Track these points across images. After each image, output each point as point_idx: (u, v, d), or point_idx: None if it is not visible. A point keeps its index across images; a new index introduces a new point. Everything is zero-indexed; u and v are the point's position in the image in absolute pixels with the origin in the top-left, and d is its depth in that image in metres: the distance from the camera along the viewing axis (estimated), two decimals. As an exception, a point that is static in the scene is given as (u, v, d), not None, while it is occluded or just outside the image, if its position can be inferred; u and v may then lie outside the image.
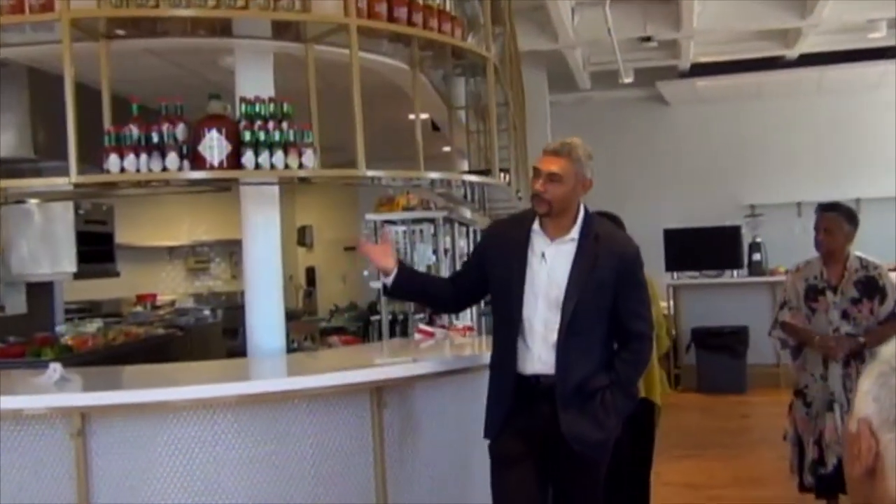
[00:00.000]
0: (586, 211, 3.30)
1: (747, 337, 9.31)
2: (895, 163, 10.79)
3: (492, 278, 3.32)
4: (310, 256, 12.92)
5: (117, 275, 7.54)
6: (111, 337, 6.17)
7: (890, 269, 7.75)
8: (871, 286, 4.48)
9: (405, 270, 3.48)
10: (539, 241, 3.25)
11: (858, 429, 1.15)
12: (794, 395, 4.66)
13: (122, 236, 8.06)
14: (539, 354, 3.18)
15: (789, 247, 10.24)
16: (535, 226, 3.27)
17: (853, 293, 4.47)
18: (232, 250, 11.63)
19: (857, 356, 4.43)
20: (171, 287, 11.53)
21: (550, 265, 3.21)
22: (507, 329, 3.24)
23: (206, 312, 8.88)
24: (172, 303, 10.40)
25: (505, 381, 3.23)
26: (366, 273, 13.18)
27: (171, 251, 11.61)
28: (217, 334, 8.39)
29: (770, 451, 5.99)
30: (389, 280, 3.40)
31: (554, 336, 3.15)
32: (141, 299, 10.06)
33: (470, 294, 3.56)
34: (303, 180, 4.01)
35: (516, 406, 3.20)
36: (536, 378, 3.19)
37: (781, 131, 11.44)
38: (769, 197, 11.16)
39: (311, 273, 12.78)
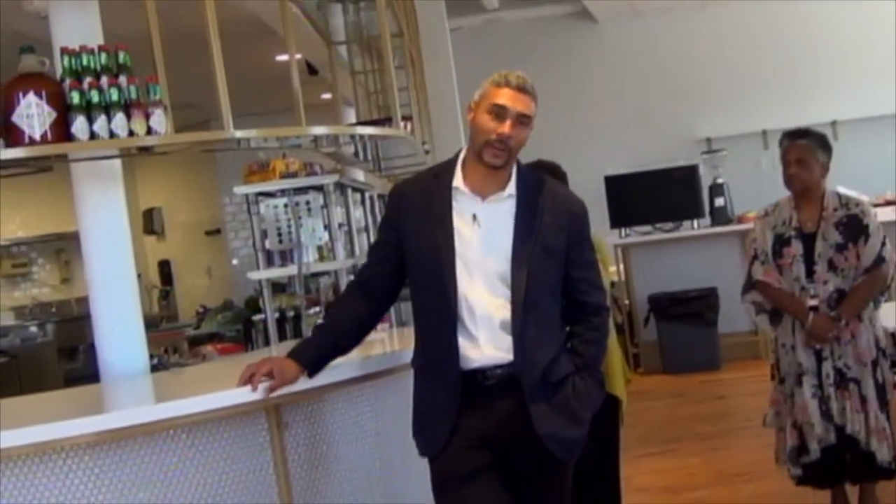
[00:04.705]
0: (518, 162, 3.31)
1: (717, 301, 9.50)
2: (876, 75, 11.14)
3: (409, 255, 3.29)
4: (162, 247, 12.74)
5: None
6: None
7: (877, 205, 8.06)
8: (854, 226, 4.54)
9: (310, 358, 3.41)
10: (465, 202, 3.23)
11: None
12: (772, 368, 4.77)
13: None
14: (488, 341, 3.17)
15: (757, 186, 10.48)
16: (457, 181, 3.24)
17: (836, 238, 4.53)
18: (59, 247, 11.39)
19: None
20: (-18, 301, 11.27)
21: (486, 230, 3.20)
22: (439, 317, 3.21)
23: (34, 329, 8.81)
24: (-13, 321, 10.18)
25: (446, 383, 3.21)
26: (235, 262, 13.16)
27: (-23, 255, 11.36)
28: (51, 356, 8.27)
29: (757, 438, 6.13)
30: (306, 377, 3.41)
31: (504, 315, 3.16)
32: (-57, 321, 9.83)
33: (395, 290, 3.45)
34: (143, 149, 3.91)
35: (464, 410, 3.20)
36: (486, 371, 3.18)
37: (738, 46, 11.69)
38: (729, 127, 11.44)
39: (165, 268, 12.62)
